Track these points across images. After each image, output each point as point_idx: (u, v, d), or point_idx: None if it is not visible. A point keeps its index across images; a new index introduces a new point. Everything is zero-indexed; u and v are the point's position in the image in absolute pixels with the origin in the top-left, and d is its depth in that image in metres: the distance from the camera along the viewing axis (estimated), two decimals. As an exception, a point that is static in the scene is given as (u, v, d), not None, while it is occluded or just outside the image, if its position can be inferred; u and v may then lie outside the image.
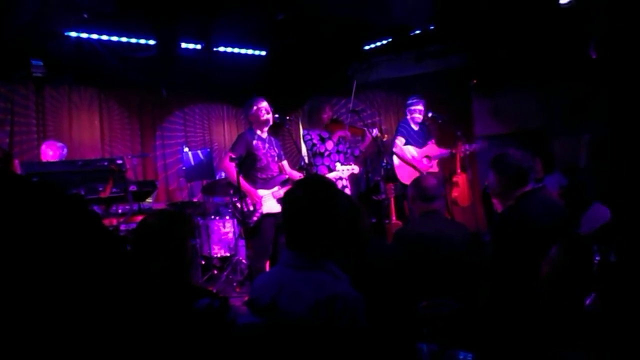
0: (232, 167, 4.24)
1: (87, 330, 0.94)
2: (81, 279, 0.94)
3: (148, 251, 2.00)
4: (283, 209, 1.83)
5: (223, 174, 6.40)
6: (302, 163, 4.60)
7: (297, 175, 4.66)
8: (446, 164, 6.10)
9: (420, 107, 5.55)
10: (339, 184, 4.65)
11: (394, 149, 5.48)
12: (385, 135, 5.53)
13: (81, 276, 0.94)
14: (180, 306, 1.57)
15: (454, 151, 5.56)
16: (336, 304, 1.58)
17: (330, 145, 4.89)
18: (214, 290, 4.99)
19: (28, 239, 0.92)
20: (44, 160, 5.03)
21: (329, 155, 4.87)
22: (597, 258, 1.86)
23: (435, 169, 5.60)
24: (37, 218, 0.94)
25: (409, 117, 5.60)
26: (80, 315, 0.93)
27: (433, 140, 5.68)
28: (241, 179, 4.21)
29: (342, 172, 4.61)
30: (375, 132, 5.07)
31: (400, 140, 5.53)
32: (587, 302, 1.78)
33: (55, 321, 0.92)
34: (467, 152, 5.57)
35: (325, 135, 4.91)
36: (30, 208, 0.95)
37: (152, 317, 1.22)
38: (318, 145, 4.85)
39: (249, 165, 4.38)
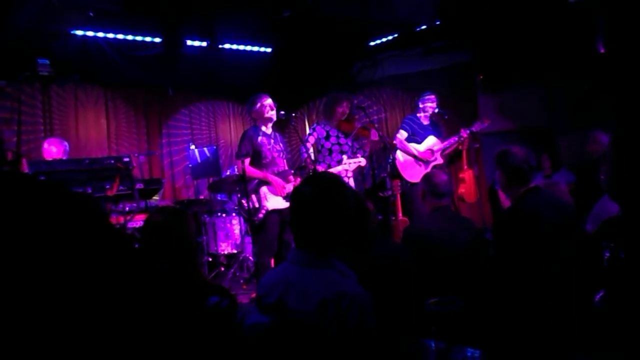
0: (247, 166, 4.35)
1: (95, 329, 0.95)
2: (89, 278, 0.95)
3: (155, 249, 2.01)
4: (291, 206, 1.82)
5: (228, 172, 6.42)
6: (306, 162, 4.60)
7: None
8: (452, 159, 6.06)
9: (432, 99, 5.50)
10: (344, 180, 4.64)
11: (395, 142, 5.44)
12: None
13: (89, 275, 0.95)
14: (190, 304, 1.58)
15: (462, 137, 5.44)
16: (344, 302, 1.58)
17: (332, 141, 4.89)
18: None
19: (36, 239, 0.93)
20: (47, 158, 5.03)
21: (330, 154, 4.87)
22: (607, 254, 1.85)
23: (440, 161, 5.56)
24: (45, 218, 0.95)
25: (420, 111, 5.54)
26: (89, 314, 0.94)
27: (439, 140, 5.61)
28: (256, 170, 4.39)
29: (348, 165, 4.60)
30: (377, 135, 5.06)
31: (402, 134, 5.49)
32: (596, 299, 1.77)
33: (63, 320, 0.92)
34: (470, 136, 5.45)
35: (332, 132, 4.91)
36: (38, 208, 0.95)
37: (161, 315, 1.23)
38: (322, 142, 4.86)
39: (255, 161, 4.42)
